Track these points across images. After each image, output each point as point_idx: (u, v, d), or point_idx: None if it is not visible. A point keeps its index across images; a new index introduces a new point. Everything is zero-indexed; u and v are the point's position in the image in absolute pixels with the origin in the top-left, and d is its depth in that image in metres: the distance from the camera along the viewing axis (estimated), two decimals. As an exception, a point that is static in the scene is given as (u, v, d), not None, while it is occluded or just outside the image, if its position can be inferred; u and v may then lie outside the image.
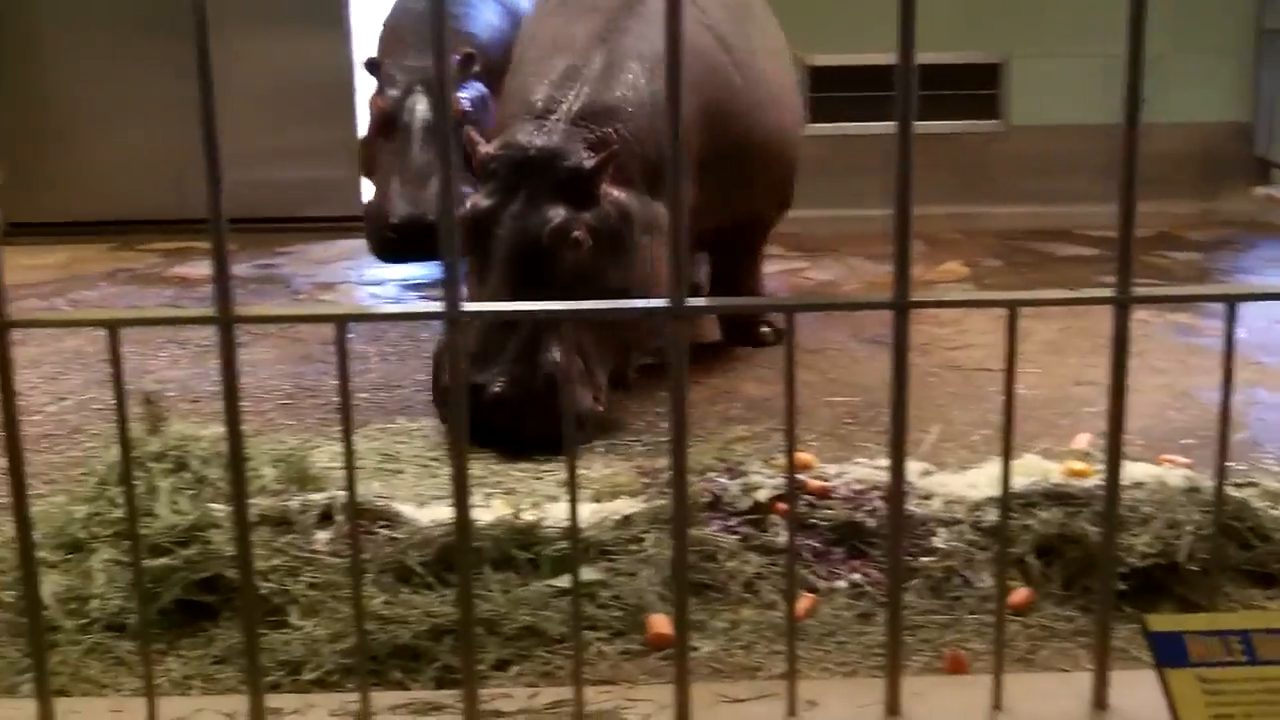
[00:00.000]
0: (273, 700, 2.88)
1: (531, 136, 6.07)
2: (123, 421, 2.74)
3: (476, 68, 8.45)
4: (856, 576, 4.41)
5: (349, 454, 2.76)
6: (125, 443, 2.76)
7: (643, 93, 6.30)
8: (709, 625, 4.15)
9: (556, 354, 5.69)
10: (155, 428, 5.24)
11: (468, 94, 8.37)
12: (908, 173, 2.53)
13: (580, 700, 2.87)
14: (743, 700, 2.99)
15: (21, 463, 2.69)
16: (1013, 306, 2.76)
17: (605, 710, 2.91)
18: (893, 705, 2.87)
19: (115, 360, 2.67)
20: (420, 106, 8.28)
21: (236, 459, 2.66)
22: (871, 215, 9.63)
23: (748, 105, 6.79)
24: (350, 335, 2.83)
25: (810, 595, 4.30)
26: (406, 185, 8.22)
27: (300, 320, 3.01)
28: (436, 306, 2.64)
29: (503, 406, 5.69)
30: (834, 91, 10.17)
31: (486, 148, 6.16)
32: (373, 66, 8.66)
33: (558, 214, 5.90)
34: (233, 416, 2.63)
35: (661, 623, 4.11)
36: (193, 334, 7.39)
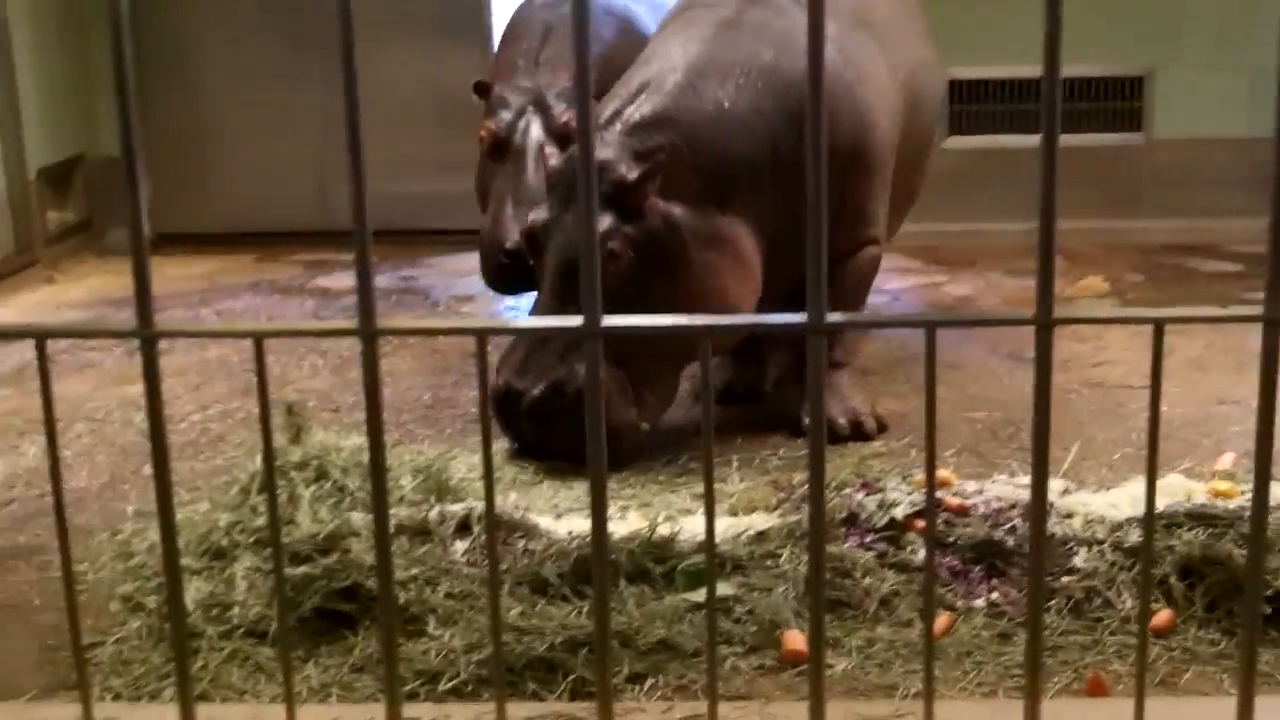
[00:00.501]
0: (410, 710, 2.90)
1: None
2: (267, 431, 2.77)
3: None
4: (995, 596, 4.37)
5: (488, 465, 2.77)
6: (269, 452, 2.79)
7: (710, 100, 6.07)
8: (844, 642, 4.14)
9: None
10: (297, 437, 5.30)
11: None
12: (1052, 187, 2.49)
13: (714, 715, 2.86)
14: (879, 719, 2.96)
15: (168, 471, 2.73)
16: (1159, 324, 2.70)
17: (740, 726, 2.90)
18: (1032, 727, 2.82)
19: (260, 371, 2.70)
20: (534, 129, 7.96)
21: (378, 470, 2.67)
22: (1009, 229, 9.57)
23: (859, 122, 6.35)
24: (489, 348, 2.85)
25: (948, 614, 4.27)
26: (521, 210, 7.74)
27: (442, 333, 3.03)
28: (573, 322, 2.65)
29: (537, 414, 5.73)
30: (972, 104, 10.09)
31: (554, 162, 6.18)
32: (482, 90, 8.39)
33: (598, 225, 5.75)
34: (375, 428, 2.64)
35: (796, 639, 4.10)
36: (333, 345, 7.47)
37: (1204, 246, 9.85)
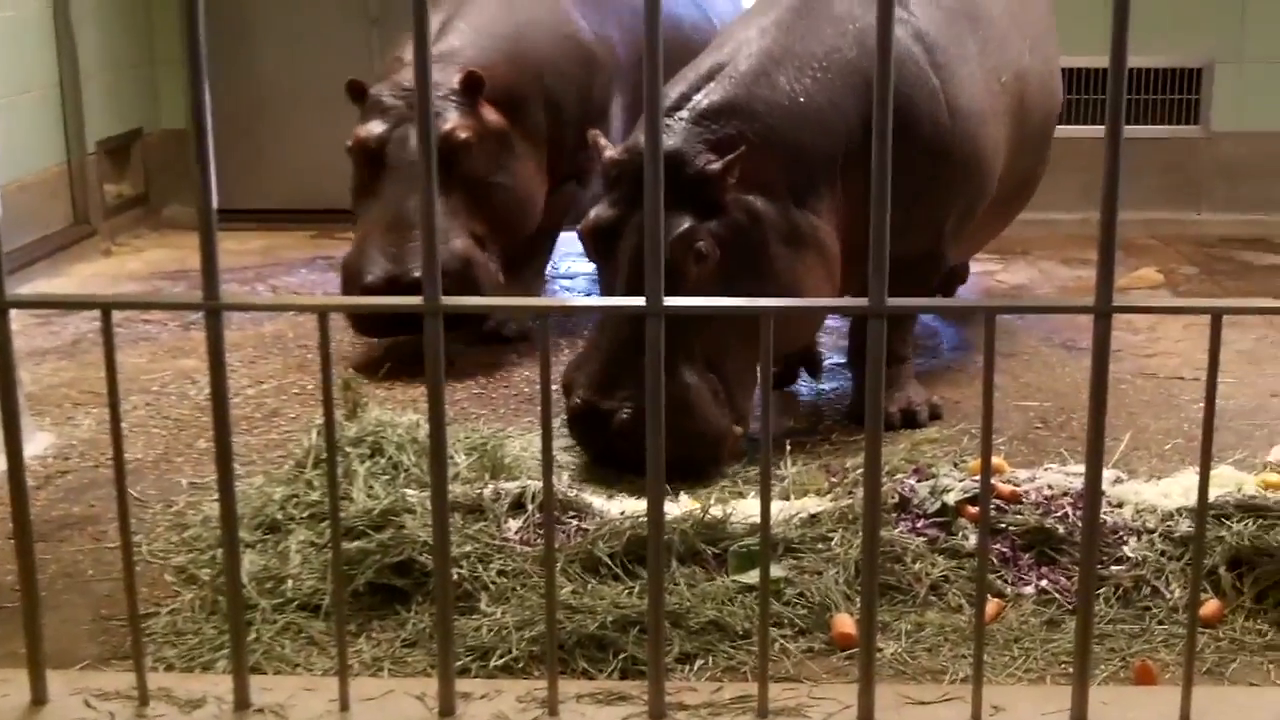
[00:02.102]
0: (461, 685, 2.93)
1: None
2: (329, 405, 2.80)
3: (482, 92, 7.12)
4: (1045, 583, 4.37)
5: (547, 444, 2.79)
6: (330, 427, 2.82)
7: (785, 92, 5.72)
8: (894, 626, 4.16)
9: (688, 376, 5.34)
10: (353, 413, 5.33)
11: (458, 119, 7.00)
12: (1115, 177, 2.50)
13: (764, 696, 2.88)
14: (927, 703, 2.97)
15: (229, 443, 2.77)
16: (1216, 314, 2.71)
17: (788, 707, 2.90)
18: (1080, 713, 2.83)
19: (324, 345, 2.73)
20: (412, 140, 6.72)
21: (438, 447, 2.70)
22: (1063, 219, 9.54)
23: (939, 114, 6.01)
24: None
25: (998, 600, 4.28)
26: (390, 237, 6.89)
27: (502, 308, 3.05)
28: (636, 301, 2.67)
29: (629, 434, 5.24)
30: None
31: (611, 152, 5.72)
32: (356, 91, 7.24)
33: (681, 223, 5.38)
34: (436, 406, 2.68)
35: (846, 622, 4.12)
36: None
37: (1259, 240, 9.80)
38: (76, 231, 9.33)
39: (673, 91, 5.68)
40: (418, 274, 6.10)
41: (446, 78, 7.01)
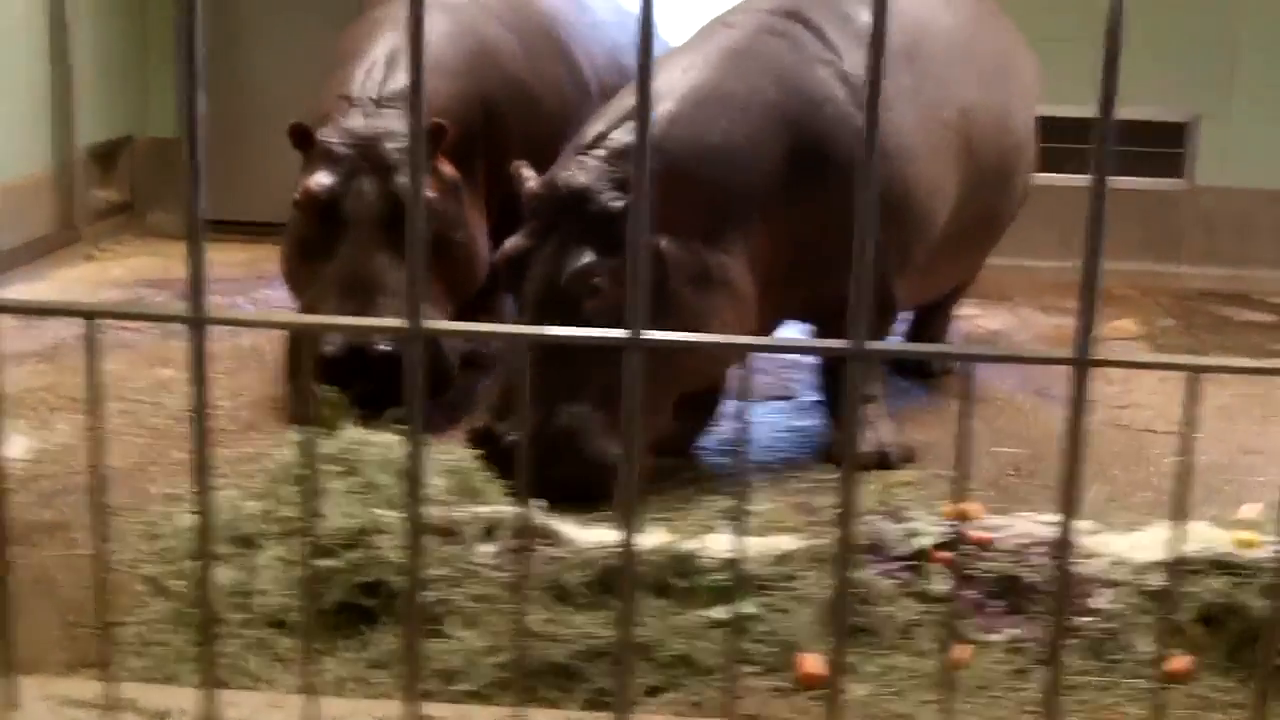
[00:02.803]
0: (427, 708, 2.92)
1: (567, 173, 5.62)
2: (307, 422, 2.80)
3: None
4: (1015, 631, 4.38)
5: (521, 470, 2.80)
6: (311, 444, 2.82)
7: (702, 131, 5.74)
8: (861, 669, 4.15)
9: (578, 407, 5.43)
10: (330, 430, 5.31)
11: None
12: (1100, 227, 2.51)
13: (732, 732, 2.89)
14: (893, 746, 2.99)
15: (208, 457, 2.77)
16: (1196, 372, 2.73)
17: (754, 745, 2.92)
18: (1046, 763, 2.84)
19: (304, 363, 2.73)
20: (368, 191, 6.41)
21: (416, 469, 2.71)
22: (1041, 266, 9.58)
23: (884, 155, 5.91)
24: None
25: (966, 646, 4.29)
26: (348, 304, 6.25)
27: (482, 334, 3.06)
28: (620, 334, 2.68)
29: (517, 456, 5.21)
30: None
31: (531, 184, 5.73)
32: (301, 137, 6.57)
33: (581, 258, 5.48)
34: (417, 428, 2.68)
35: (812, 662, 4.12)
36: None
37: (1238, 295, 9.85)
38: (61, 236, 9.32)
39: (591, 130, 5.76)
40: (384, 346, 6.06)
41: (399, 125, 6.46)
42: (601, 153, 5.62)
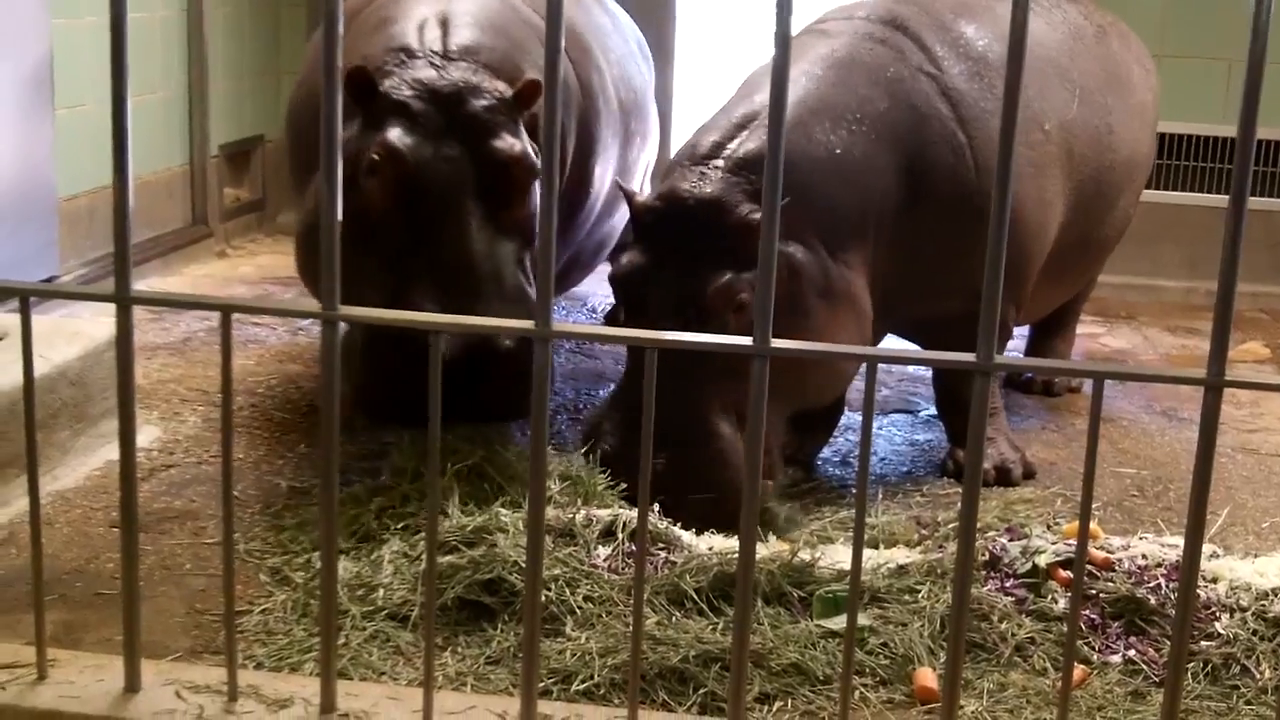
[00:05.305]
0: (542, 706, 2.95)
1: (691, 185, 5.35)
2: (435, 423, 2.84)
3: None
4: (1132, 653, 4.34)
5: (645, 475, 2.82)
6: (435, 443, 2.86)
7: (820, 144, 5.54)
8: (977, 684, 4.14)
9: (722, 428, 5.24)
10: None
11: (523, 143, 5.60)
12: (1236, 248, 2.50)
13: (845, 742, 2.89)
14: (1007, 762, 2.98)
15: (336, 451, 2.82)
16: (1327, 396, 2.70)
17: (868, 755, 2.92)
18: (1162, 786, 2.82)
19: (435, 363, 2.77)
20: (461, 158, 5.51)
21: (539, 468, 2.74)
22: (1168, 285, 9.47)
23: (964, 172, 5.85)
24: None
25: (1083, 667, 4.26)
26: (450, 292, 5.42)
27: (610, 338, 3.08)
28: (743, 341, 2.70)
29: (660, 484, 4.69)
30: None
31: (642, 198, 5.54)
32: (362, 87, 5.44)
33: (722, 274, 5.20)
34: (538, 431, 2.71)
35: (928, 676, 4.11)
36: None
37: (1371, 320, 9.68)
38: (193, 232, 9.47)
39: (705, 140, 5.53)
40: (508, 342, 5.40)
41: (484, 80, 5.60)
42: (722, 163, 5.39)
